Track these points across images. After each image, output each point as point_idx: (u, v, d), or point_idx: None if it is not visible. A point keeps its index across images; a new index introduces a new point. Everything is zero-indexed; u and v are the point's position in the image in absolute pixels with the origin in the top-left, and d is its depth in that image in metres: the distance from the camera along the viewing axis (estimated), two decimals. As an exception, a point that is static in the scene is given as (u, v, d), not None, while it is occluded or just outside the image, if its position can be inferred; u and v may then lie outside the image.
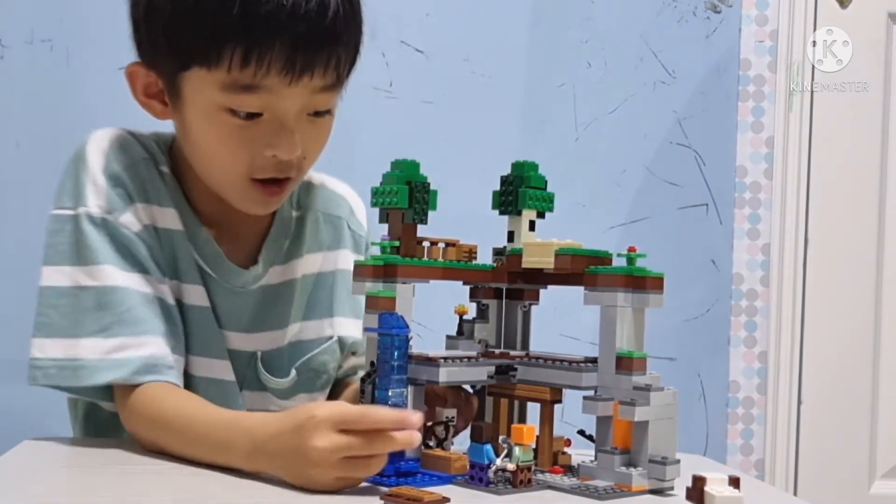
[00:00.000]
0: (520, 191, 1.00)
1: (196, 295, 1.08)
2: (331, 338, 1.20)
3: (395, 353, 0.91)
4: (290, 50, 0.96)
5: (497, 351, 1.01)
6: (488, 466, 0.87)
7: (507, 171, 1.03)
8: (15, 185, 2.07)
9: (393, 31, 2.21)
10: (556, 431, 0.97)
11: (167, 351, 1.02)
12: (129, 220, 1.03)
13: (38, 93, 2.10)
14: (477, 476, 0.88)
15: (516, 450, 0.87)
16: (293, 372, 1.17)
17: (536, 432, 0.96)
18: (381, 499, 0.80)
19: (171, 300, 1.05)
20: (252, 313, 1.14)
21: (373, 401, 0.91)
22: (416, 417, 0.83)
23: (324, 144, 1.07)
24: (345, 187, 1.27)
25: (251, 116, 1.00)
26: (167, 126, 1.12)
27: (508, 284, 1.02)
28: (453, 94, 2.23)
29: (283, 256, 1.17)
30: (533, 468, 0.89)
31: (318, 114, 1.03)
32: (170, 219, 1.06)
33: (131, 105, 1.10)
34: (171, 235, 1.06)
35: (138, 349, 0.99)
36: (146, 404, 0.98)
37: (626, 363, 0.89)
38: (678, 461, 0.88)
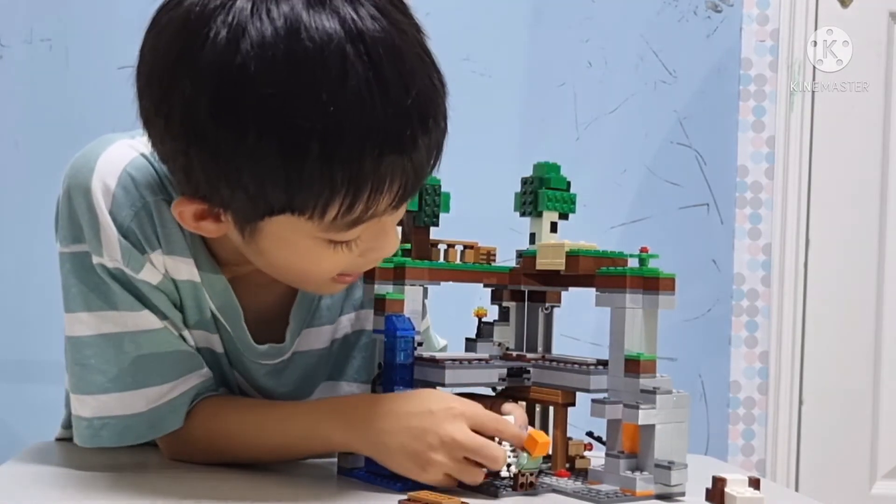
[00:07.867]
0: (539, 192, 1.00)
1: (211, 342, 1.00)
2: None
3: (401, 355, 0.91)
4: (402, 186, 0.83)
5: (514, 353, 1.01)
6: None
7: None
8: (14, 184, 2.06)
9: (393, 30, 2.20)
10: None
11: (209, 382, 0.98)
12: (148, 275, 0.92)
13: (38, 92, 2.10)
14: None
15: (523, 456, 0.86)
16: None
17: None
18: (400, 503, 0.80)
19: (192, 342, 0.98)
20: (267, 380, 1.04)
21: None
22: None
23: None
24: None
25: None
26: None
27: (522, 286, 1.00)
28: (453, 94, 2.20)
29: (315, 316, 1.06)
30: (537, 473, 0.88)
31: None
32: (185, 270, 0.94)
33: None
34: (188, 286, 0.96)
35: (186, 389, 0.95)
36: (203, 421, 0.95)
37: (633, 366, 0.87)
38: (685, 466, 0.87)
